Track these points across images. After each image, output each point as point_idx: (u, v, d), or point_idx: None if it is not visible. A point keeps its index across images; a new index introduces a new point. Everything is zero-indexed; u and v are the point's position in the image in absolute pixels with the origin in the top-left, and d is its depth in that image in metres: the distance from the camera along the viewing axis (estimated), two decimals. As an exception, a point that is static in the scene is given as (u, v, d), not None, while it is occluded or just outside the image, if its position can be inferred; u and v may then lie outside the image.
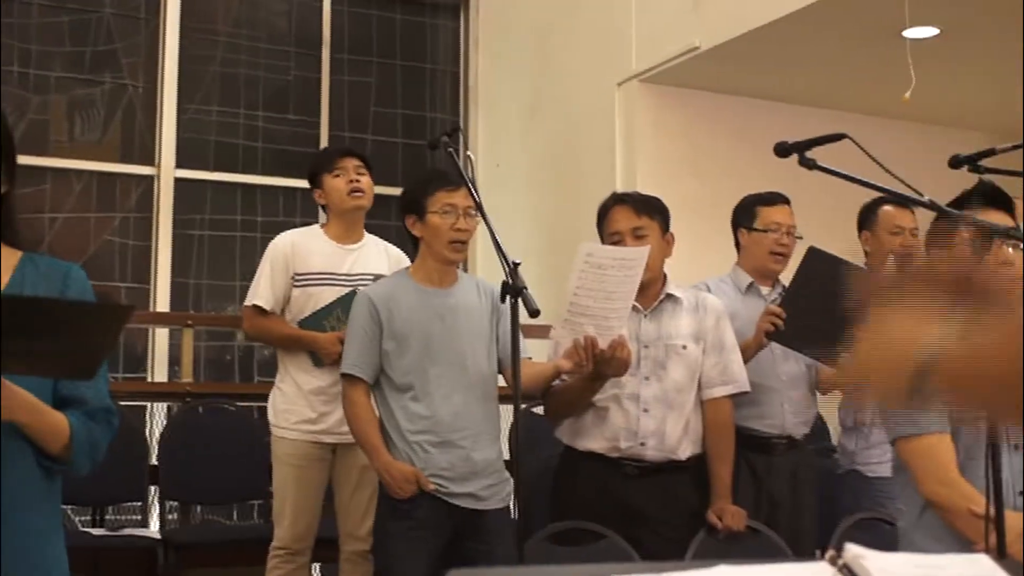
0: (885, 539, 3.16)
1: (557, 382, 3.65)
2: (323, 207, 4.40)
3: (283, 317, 4.21)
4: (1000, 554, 2.49)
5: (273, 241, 4.30)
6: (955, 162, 3.43)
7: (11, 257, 2.12)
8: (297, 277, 4.18)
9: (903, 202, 4.20)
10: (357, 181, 4.24)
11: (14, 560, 1.96)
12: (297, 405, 4.14)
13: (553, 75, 7.11)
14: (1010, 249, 2.89)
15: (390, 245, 4.31)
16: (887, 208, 4.31)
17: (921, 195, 2.72)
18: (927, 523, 2.91)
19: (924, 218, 3.21)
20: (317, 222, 4.45)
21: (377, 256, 4.27)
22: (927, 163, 3.69)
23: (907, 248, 4.28)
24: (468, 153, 4.33)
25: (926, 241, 3.09)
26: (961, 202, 2.92)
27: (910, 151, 4.77)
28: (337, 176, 4.25)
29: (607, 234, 3.74)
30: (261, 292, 4.19)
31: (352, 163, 4.27)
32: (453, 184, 3.56)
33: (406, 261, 3.81)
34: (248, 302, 4.25)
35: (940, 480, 2.86)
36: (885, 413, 3.01)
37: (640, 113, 6.39)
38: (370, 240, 4.34)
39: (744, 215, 4.20)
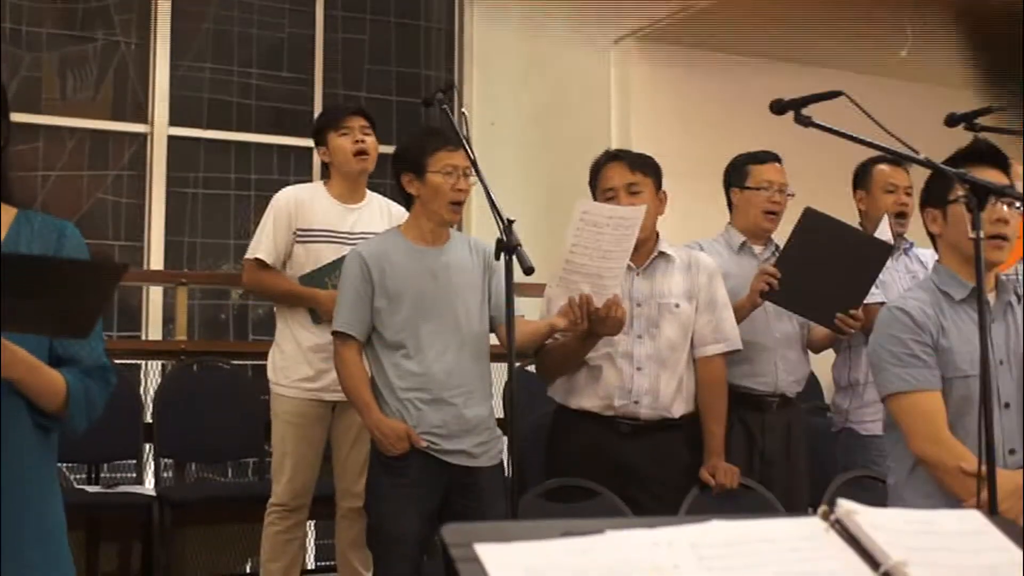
0: (878, 496, 3.18)
1: (550, 340, 3.65)
2: (326, 165, 4.36)
3: (284, 272, 4.21)
4: (991, 511, 2.51)
5: (276, 196, 4.28)
6: (951, 120, 3.44)
7: (6, 215, 2.11)
8: (299, 233, 4.17)
9: (898, 161, 4.21)
10: (362, 142, 4.22)
11: (13, 517, 1.97)
12: (296, 362, 4.14)
13: (548, 33, 7.07)
14: (1005, 208, 2.89)
15: (393, 203, 4.27)
16: (882, 167, 4.31)
17: (917, 153, 2.72)
18: (917, 480, 2.94)
19: (920, 177, 3.21)
20: (311, 180, 4.43)
21: (380, 215, 4.25)
22: (923, 122, 3.69)
23: (901, 207, 4.29)
24: (463, 110, 4.31)
25: (921, 199, 3.09)
26: (957, 160, 2.92)
27: (906, 110, 4.75)
28: (343, 135, 4.22)
29: (601, 190, 3.74)
30: (263, 245, 4.18)
31: (358, 123, 4.24)
32: (454, 144, 3.54)
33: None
34: (249, 255, 4.23)
35: (930, 438, 2.88)
36: (876, 369, 3.03)
37: (635, 71, 6.37)
38: (373, 199, 4.33)
39: (736, 174, 4.20)
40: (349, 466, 4.15)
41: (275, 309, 4.36)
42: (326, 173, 4.38)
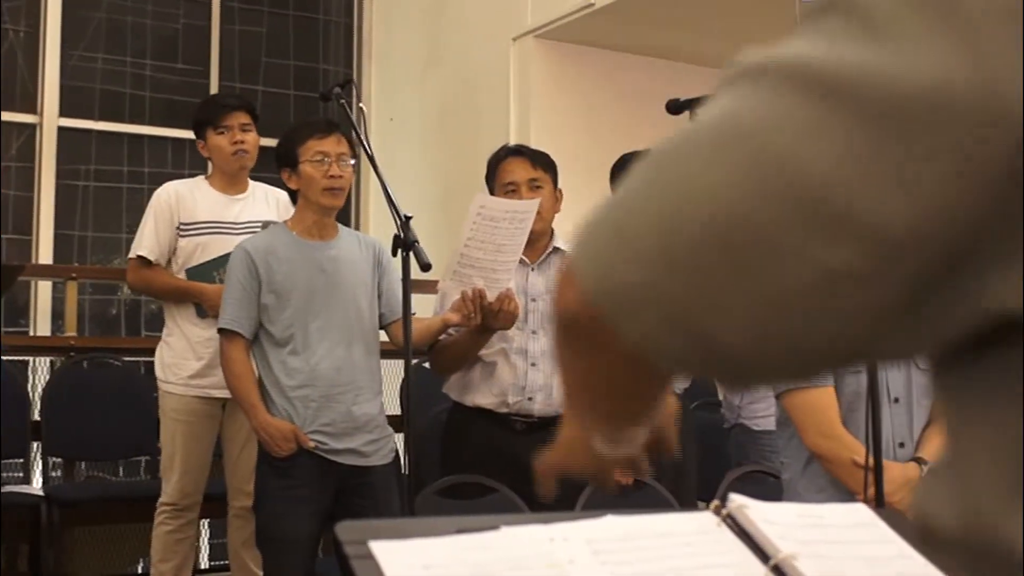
0: (770, 491, 3.23)
1: (444, 336, 3.65)
2: (207, 159, 4.34)
3: (169, 268, 4.15)
4: (879, 503, 2.57)
5: (156, 192, 4.24)
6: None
7: None
8: (183, 227, 4.12)
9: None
10: (242, 142, 4.17)
11: None
12: (185, 359, 4.09)
13: (448, 29, 7.07)
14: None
15: (276, 190, 4.22)
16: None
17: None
18: (811, 475, 2.99)
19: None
20: (207, 173, 4.37)
21: (266, 203, 4.23)
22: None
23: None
24: (361, 105, 4.28)
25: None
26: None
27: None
28: (221, 133, 4.18)
29: (501, 184, 3.74)
30: (145, 243, 4.12)
31: (238, 120, 4.19)
32: (323, 131, 3.51)
33: (292, 207, 3.77)
34: (132, 254, 4.18)
35: (824, 432, 2.94)
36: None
37: (534, 69, 6.39)
38: (256, 188, 4.29)
39: (622, 172, 4.24)
40: (240, 465, 4.10)
41: (163, 305, 4.30)
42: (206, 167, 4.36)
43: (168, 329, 4.20)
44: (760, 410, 4.20)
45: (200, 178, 4.34)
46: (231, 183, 4.22)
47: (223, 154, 4.18)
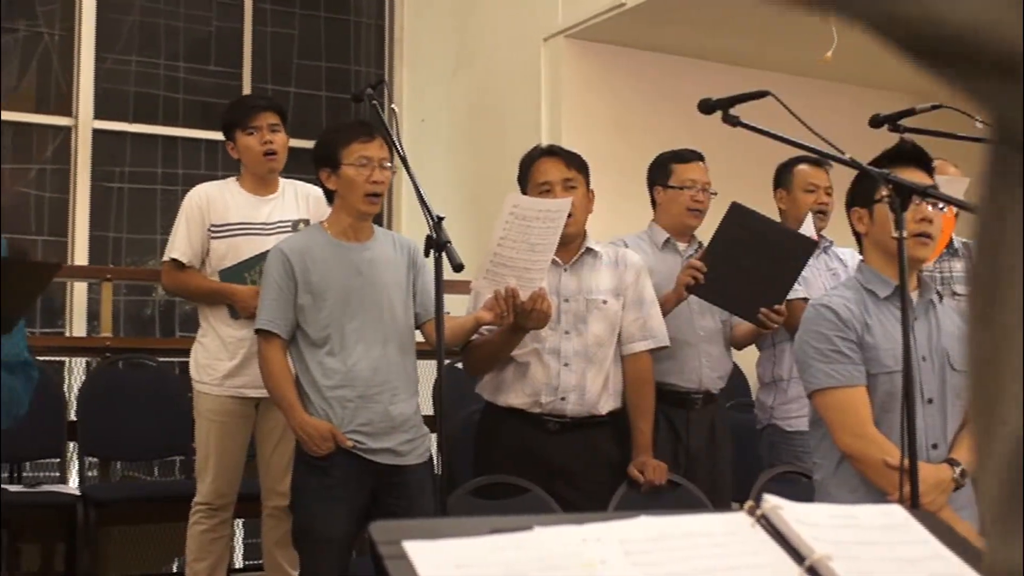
0: (803, 492, 3.22)
1: (476, 336, 3.65)
2: (237, 160, 4.34)
3: (203, 270, 4.17)
4: (913, 504, 2.55)
5: (188, 194, 4.25)
6: (875, 121, 3.49)
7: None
8: (214, 228, 4.14)
9: (819, 161, 4.27)
10: (270, 142, 4.17)
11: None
12: (219, 359, 4.10)
13: (478, 30, 7.07)
14: (929, 207, 2.95)
15: (308, 186, 4.23)
16: (802, 167, 4.38)
17: (842, 153, 2.76)
18: (843, 475, 2.98)
19: (844, 178, 3.26)
20: (240, 175, 4.39)
21: (296, 202, 4.22)
22: (848, 122, 3.75)
23: (821, 206, 4.36)
24: (393, 106, 4.30)
25: (847, 199, 3.14)
26: (882, 161, 2.97)
27: (831, 110, 4.83)
28: (250, 135, 4.18)
29: (535, 184, 3.74)
30: (178, 246, 4.15)
31: (266, 120, 4.18)
32: (367, 135, 3.52)
33: (324, 203, 3.77)
34: (165, 257, 4.20)
35: (855, 433, 2.92)
36: (802, 366, 3.07)
37: (565, 69, 6.38)
38: (287, 186, 4.28)
39: (659, 172, 4.24)
40: (273, 464, 4.11)
41: (198, 306, 4.32)
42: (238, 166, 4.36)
43: (202, 330, 4.21)
44: (793, 410, 4.18)
45: (231, 179, 4.34)
46: (261, 184, 4.23)
47: (252, 155, 4.19)
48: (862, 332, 2.96)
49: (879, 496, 2.86)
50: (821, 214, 4.35)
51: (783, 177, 4.43)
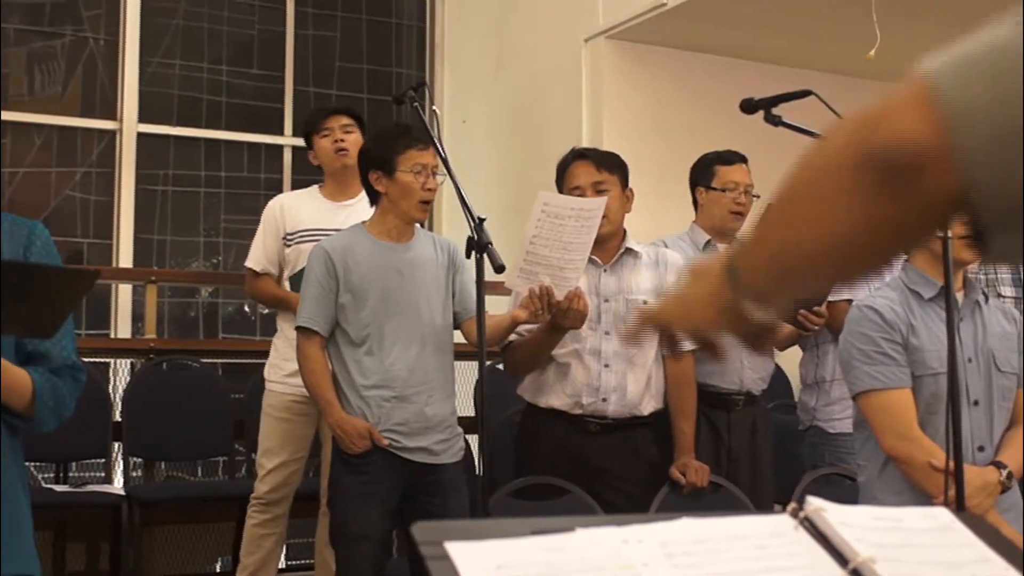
0: (846, 493, 3.20)
1: (515, 336, 3.65)
2: (318, 167, 4.48)
3: (281, 276, 4.35)
4: (959, 507, 2.53)
5: (268, 203, 4.44)
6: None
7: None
8: (288, 237, 4.29)
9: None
10: (342, 140, 4.30)
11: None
12: (287, 359, 4.16)
13: (519, 31, 7.07)
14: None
15: None
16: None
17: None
18: (888, 477, 2.95)
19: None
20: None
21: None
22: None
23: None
24: (434, 108, 4.33)
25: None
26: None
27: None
28: (324, 136, 4.35)
29: (568, 189, 3.74)
30: (253, 255, 4.36)
31: (339, 122, 4.35)
32: (423, 142, 3.55)
33: None
34: (246, 265, 4.41)
35: (900, 435, 2.90)
36: (846, 368, 3.04)
37: (606, 70, 6.37)
38: (365, 196, 4.36)
39: (702, 174, 4.22)
40: None
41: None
42: (310, 172, 4.48)
43: (278, 330, 4.38)
44: (836, 412, 4.15)
45: (313, 187, 4.49)
46: (340, 189, 4.35)
47: (327, 155, 4.35)
48: (907, 334, 2.93)
49: (924, 499, 2.83)
50: None
51: None
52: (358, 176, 4.29)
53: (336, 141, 4.31)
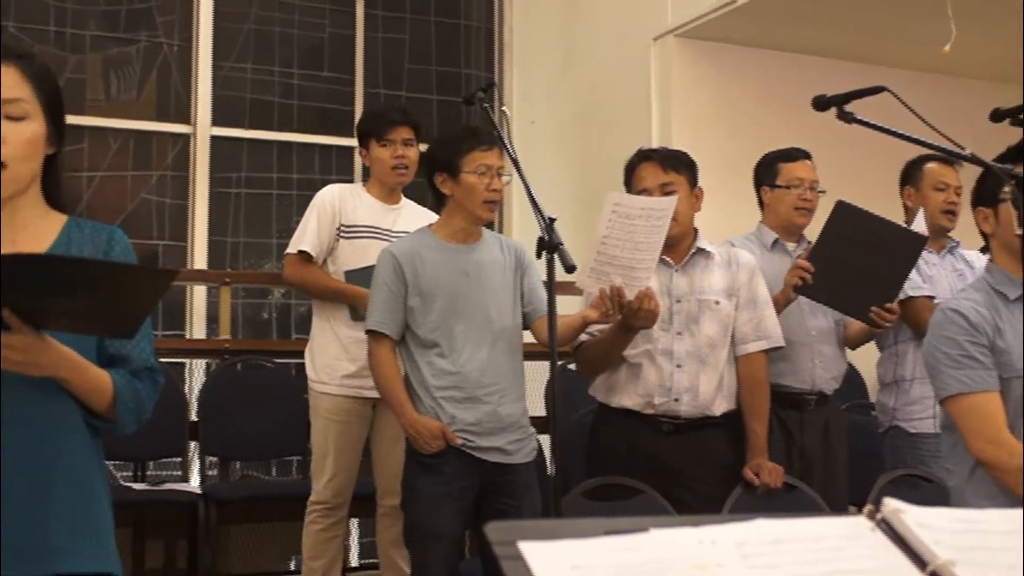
0: (925, 495, 3.15)
1: (586, 336, 3.64)
2: (366, 166, 4.42)
3: (325, 267, 4.23)
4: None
5: (320, 192, 4.32)
6: (996, 116, 3.39)
7: (57, 220, 2.13)
8: (344, 229, 4.21)
9: (948, 159, 4.16)
10: (403, 156, 4.24)
11: (62, 517, 1.99)
12: (339, 360, 4.16)
13: (587, 30, 7.07)
14: (1054, 204, 2.86)
15: (424, 210, 4.29)
16: (933, 165, 4.28)
17: (963, 149, 2.69)
18: (978, 481, 2.90)
19: (970, 177, 3.18)
20: (352, 179, 4.48)
21: (413, 217, 4.26)
22: (967, 118, 3.65)
23: (950, 205, 4.25)
24: (503, 109, 4.33)
25: (972, 198, 3.05)
26: (1007, 157, 2.89)
27: (949, 106, 4.72)
28: (384, 146, 4.25)
29: (635, 191, 3.71)
30: (308, 239, 4.20)
31: (402, 135, 4.25)
32: (487, 143, 3.55)
33: None
34: (292, 249, 4.25)
35: (989, 438, 2.84)
36: (932, 372, 2.99)
37: (675, 68, 6.35)
38: (406, 202, 4.39)
39: (766, 172, 4.18)
40: (389, 464, 4.14)
41: (313, 305, 4.38)
42: (366, 173, 4.43)
43: (318, 329, 4.28)
44: (916, 412, 4.09)
45: (359, 184, 4.45)
46: (387, 194, 4.32)
47: (384, 167, 4.26)
48: (993, 336, 2.87)
49: (1017, 503, 2.78)
50: (950, 214, 4.25)
51: (911, 174, 4.34)
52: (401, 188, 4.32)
53: (397, 156, 4.24)
